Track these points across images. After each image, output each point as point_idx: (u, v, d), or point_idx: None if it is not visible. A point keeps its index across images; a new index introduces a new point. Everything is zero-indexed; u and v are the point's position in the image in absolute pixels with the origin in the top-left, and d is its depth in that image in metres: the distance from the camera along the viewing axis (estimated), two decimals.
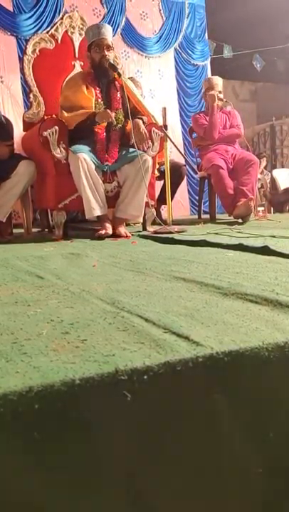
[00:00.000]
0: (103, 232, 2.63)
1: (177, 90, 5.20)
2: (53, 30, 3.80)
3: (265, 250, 1.67)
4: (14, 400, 0.51)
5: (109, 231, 2.67)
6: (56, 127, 2.72)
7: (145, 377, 0.57)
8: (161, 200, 3.52)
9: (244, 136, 4.02)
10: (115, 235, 2.72)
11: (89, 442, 0.54)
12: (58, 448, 0.53)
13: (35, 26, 4.28)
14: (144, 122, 2.93)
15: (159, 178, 3.56)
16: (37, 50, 3.63)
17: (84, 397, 0.54)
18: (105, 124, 2.78)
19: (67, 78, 3.33)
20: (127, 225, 3.03)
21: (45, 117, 3.07)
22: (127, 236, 2.70)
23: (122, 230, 2.77)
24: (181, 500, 0.59)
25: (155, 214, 3.05)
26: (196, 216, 4.45)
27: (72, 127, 2.76)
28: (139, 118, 2.86)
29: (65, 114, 2.76)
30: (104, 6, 4.67)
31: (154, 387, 0.58)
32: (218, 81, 3.93)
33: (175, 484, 0.59)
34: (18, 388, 0.52)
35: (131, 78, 3.79)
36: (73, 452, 0.53)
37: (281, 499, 0.64)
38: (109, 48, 2.83)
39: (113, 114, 2.76)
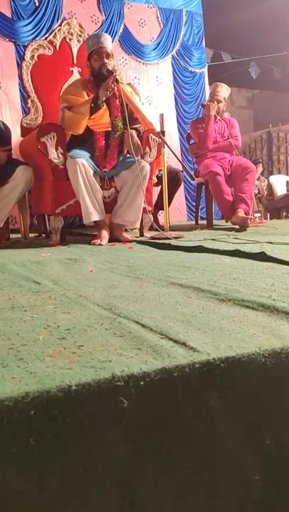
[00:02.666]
0: (97, 242, 2.63)
1: (175, 97, 5.23)
2: (51, 37, 3.83)
3: (262, 256, 1.67)
4: (10, 405, 0.51)
5: (104, 242, 2.66)
6: (54, 133, 2.73)
7: (142, 383, 0.57)
8: (159, 205, 3.53)
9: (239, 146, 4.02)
10: (113, 241, 2.73)
11: (85, 448, 0.54)
12: (54, 454, 0.53)
13: (33, 33, 4.30)
14: (139, 132, 2.94)
15: (156, 184, 3.57)
16: (35, 57, 3.65)
17: (80, 403, 0.54)
18: (107, 125, 2.79)
19: (66, 84, 3.35)
20: (124, 230, 3.04)
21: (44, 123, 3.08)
22: (132, 239, 2.72)
23: (125, 235, 2.82)
24: (178, 506, 0.59)
25: (152, 220, 3.05)
26: (193, 222, 4.47)
27: (83, 128, 2.74)
28: (133, 128, 2.88)
29: (69, 112, 2.76)
30: (103, 13, 4.70)
31: (150, 393, 0.57)
32: (220, 89, 3.91)
33: (172, 490, 0.58)
34: (14, 394, 0.52)
35: (129, 84, 3.82)
36: (69, 458, 0.53)
37: (277, 504, 0.64)
38: (108, 56, 2.85)
39: (110, 123, 2.78)
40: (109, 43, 2.91)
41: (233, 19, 7.84)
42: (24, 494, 0.51)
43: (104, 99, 2.75)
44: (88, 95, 2.84)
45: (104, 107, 2.79)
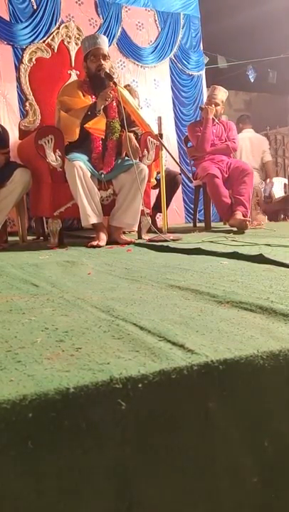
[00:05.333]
0: (95, 243, 2.63)
1: (172, 100, 5.24)
2: (49, 40, 3.83)
3: (260, 258, 1.67)
4: (8, 408, 0.51)
5: (102, 243, 2.67)
6: (52, 135, 2.73)
7: (140, 385, 0.57)
8: (157, 208, 3.53)
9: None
10: (112, 243, 2.73)
11: (83, 451, 0.54)
12: (52, 457, 0.52)
13: (31, 36, 4.31)
14: (137, 135, 2.95)
15: (154, 187, 3.57)
16: (33, 59, 3.66)
17: (78, 405, 0.54)
18: (104, 129, 2.80)
19: (63, 86, 3.36)
20: (123, 232, 3.04)
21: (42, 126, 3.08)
22: (130, 241, 2.73)
23: (123, 237, 2.82)
24: (176, 508, 0.58)
25: (150, 222, 3.06)
26: (192, 224, 4.47)
27: (76, 134, 2.74)
28: (131, 131, 2.88)
29: (65, 113, 2.76)
30: (101, 16, 4.72)
31: (148, 395, 0.57)
32: (218, 92, 3.91)
33: (170, 492, 0.58)
34: (11, 397, 0.52)
35: (128, 86, 3.82)
36: (68, 461, 0.53)
37: (276, 506, 0.64)
38: (105, 57, 2.86)
39: (107, 125, 2.78)
40: (105, 44, 2.92)
41: (231, 22, 7.87)
42: (22, 498, 0.51)
43: (102, 107, 2.76)
44: (84, 95, 2.85)
45: (102, 113, 2.80)
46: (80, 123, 2.72)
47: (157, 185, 3.51)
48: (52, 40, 3.78)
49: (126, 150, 2.86)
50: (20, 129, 3.58)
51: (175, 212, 5.06)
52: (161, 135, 2.97)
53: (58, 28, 4.03)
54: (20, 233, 3.23)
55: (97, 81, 2.84)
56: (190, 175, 4.12)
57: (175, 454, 0.59)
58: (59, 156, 2.75)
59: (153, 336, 0.74)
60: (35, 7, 4.37)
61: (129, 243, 2.72)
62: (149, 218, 3.05)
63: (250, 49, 8.14)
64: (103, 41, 2.90)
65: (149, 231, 3.08)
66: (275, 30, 8.35)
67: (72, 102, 2.81)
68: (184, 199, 5.27)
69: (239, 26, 8.03)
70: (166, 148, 2.99)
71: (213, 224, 4.01)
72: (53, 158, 2.74)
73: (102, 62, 2.83)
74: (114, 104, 2.89)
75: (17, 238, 3.28)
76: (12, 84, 4.26)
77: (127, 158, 2.89)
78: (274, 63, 8.75)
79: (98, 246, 2.63)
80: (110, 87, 2.75)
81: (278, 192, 6.94)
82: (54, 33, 3.91)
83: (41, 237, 3.59)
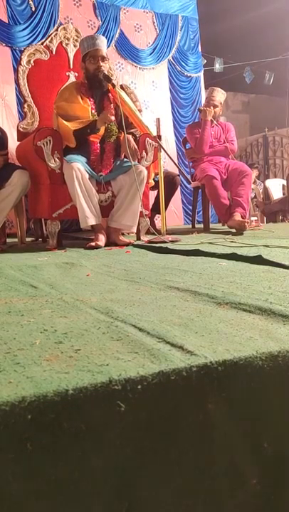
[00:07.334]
0: (94, 244, 2.63)
1: (171, 101, 5.26)
2: (47, 42, 3.83)
3: (258, 260, 1.67)
4: (7, 410, 0.51)
5: (101, 243, 2.67)
6: (50, 137, 2.73)
7: (139, 386, 0.57)
8: (155, 209, 3.53)
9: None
10: (110, 244, 2.73)
11: (82, 453, 0.54)
12: (51, 459, 0.52)
13: (30, 37, 4.32)
14: (135, 136, 2.95)
15: (153, 188, 3.57)
16: (32, 61, 3.65)
17: (77, 407, 0.54)
18: (102, 133, 2.81)
19: (61, 89, 3.35)
20: (121, 234, 3.04)
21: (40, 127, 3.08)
22: (129, 242, 2.72)
23: (122, 238, 2.82)
24: (175, 510, 0.58)
25: (149, 223, 3.06)
26: (190, 226, 4.47)
27: (73, 142, 2.75)
28: (129, 132, 2.89)
29: (64, 121, 2.76)
30: (99, 18, 4.73)
31: (147, 397, 0.57)
32: (216, 94, 3.92)
33: (169, 494, 0.58)
34: (10, 398, 0.52)
35: (128, 89, 3.81)
36: (66, 463, 0.53)
37: (275, 508, 0.64)
38: (104, 58, 2.85)
39: (104, 128, 2.79)
40: (104, 45, 2.91)
41: (229, 24, 7.89)
42: (21, 500, 0.51)
43: (101, 127, 2.77)
44: (82, 98, 2.85)
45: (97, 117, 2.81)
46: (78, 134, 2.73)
47: (156, 187, 3.51)
48: (50, 42, 3.78)
49: (124, 152, 2.87)
50: (18, 131, 3.58)
51: (174, 214, 5.07)
52: (159, 137, 2.98)
53: (57, 30, 4.02)
54: (18, 235, 3.23)
55: (96, 82, 2.85)
56: (188, 176, 4.12)
57: (174, 455, 0.59)
58: (57, 158, 2.75)
59: (152, 337, 0.74)
60: (33, 9, 4.39)
61: (127, 244, 2.72)
62: (147, 220, 3.05)
63: (248, 51, 8.17)
64: (102, 42, 2.89)
65: (148, 232, 3.08)
66: (273, 32, 8.38)
67: (70, 108, 2.80)
68: (182, 200, 5.28)
69: (237, 28, 8.05)
70: (164, 150, 3.00)
71: (211, 225, 4.02)
72: (51, 159, 2.74)
73: (101, 63, 2.83)
74: (112, 106, 2.89)
75: (16, 240, 3.28)
76: (10, 86, 4.27)
77: (125, 159, 2.90)
78: (272, 65, 8.77)
79: (97, 246, 2.62)
80: (110, 110, 2.76)
81: (277, 193, 6.96)
82: (52, 35, 3.91)
83: (40, 239, 3.59)
